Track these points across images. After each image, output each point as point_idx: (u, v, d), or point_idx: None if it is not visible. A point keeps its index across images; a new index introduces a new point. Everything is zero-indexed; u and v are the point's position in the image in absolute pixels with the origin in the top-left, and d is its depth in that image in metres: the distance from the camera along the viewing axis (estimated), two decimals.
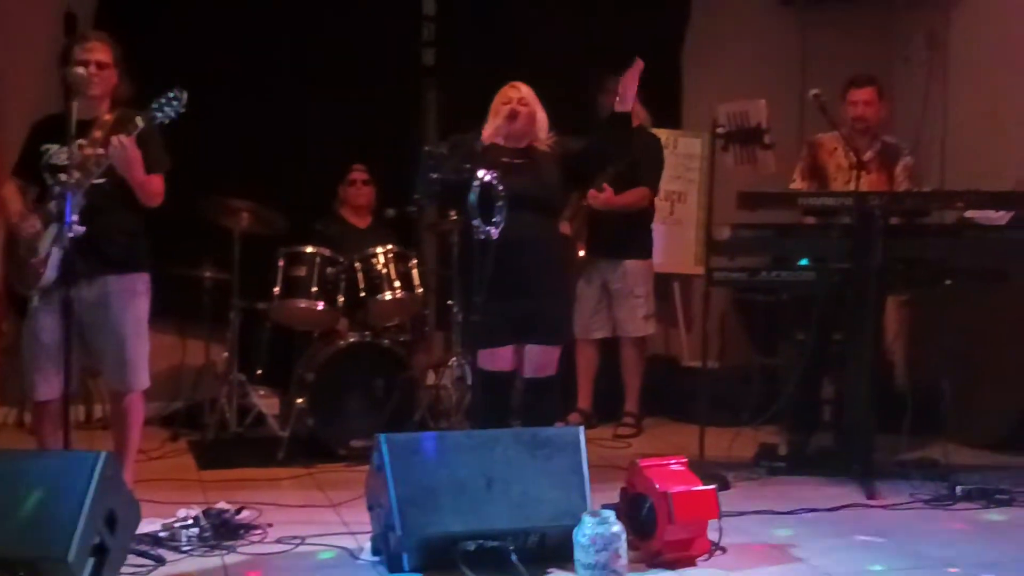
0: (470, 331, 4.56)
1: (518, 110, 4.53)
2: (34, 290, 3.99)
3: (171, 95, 4.04)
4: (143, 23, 5.99)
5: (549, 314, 4.54)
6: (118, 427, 4.24)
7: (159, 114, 4.00)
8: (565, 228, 5.46)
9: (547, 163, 4.56)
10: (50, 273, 3.93)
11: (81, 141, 3.95)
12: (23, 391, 4.18)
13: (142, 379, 4.18)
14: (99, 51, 4.08)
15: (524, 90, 4.60)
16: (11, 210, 4.12)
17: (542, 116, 4.61)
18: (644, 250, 6.02)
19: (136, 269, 4.16)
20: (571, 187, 4.72)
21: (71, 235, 3.82)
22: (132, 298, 4.14)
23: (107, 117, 4.07)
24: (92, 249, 3.93)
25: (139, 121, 3.98)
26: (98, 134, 4.00)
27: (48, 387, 3.98)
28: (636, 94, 5.92)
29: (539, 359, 4.57)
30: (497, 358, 4.50)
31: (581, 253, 5.96)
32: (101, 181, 3.96)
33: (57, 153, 4.01)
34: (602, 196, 5.50)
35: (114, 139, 3.94)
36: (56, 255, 3.91)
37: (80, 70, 3.96)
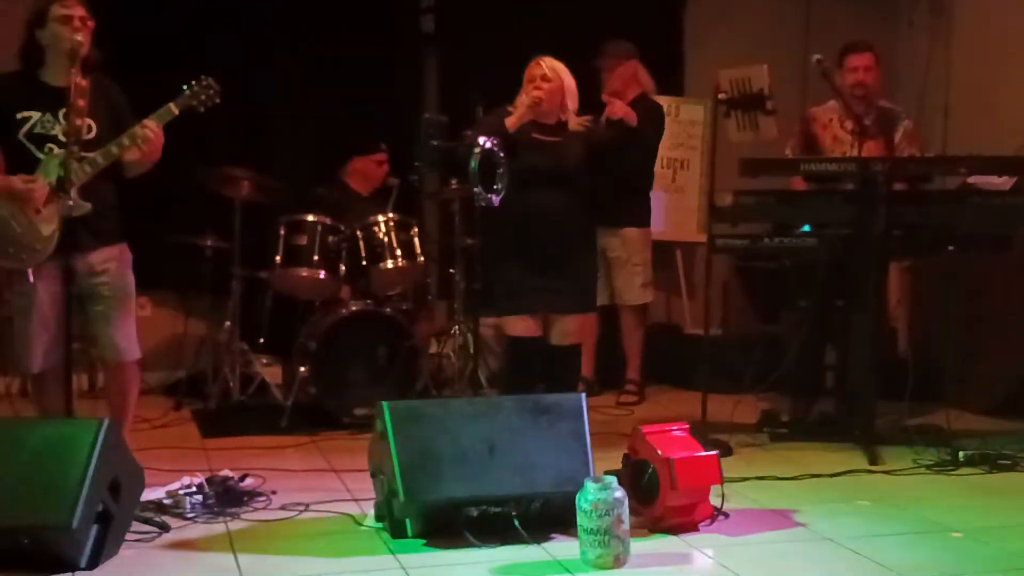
0: (488, 298, 4.62)
1: (540, 97, 4.52)
2: (31, 265, 3.92)
3: (204, 83, 4.03)
4: None
5: (572, 284, 4.60)
6: (114, 397, 4.23)
7: (193, 102, 4.00)
8: None
9: (574, 141, 4.58)
10: (51, 248, 3.89)
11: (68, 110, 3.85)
12: (19, 364, 4.12)
13: (135, 348, 4.18)
14: (79, 7, 3.97)
15: (547, 65, 4.59)
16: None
17: (570, 85, 4.62)
18: (642, 218, 6.00)
19: (122, 240, 4.14)
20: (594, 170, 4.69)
21: (80, 213, 3.81)
22: (124, 268, 4.13)
23: (83, 83, 3.93)
24: (84, 221, 3.89)
25: (173, 108, 3.96)
26: (82, 103, 3.90)
27: (47, 358, 3.97)
28: (638, 65, 5.93)
29: (564, 327, 4.65)
30: (521, 324, 4.60)
31: None
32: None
33: (42, 122, 3.92)
34: (616, 104, 5.03)
35: (146, 127, 3.89)
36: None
37: (77, 36, 3.87)
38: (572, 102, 4.64)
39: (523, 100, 4.59)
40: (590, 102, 5.91)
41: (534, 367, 4.69)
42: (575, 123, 4.65)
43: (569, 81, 4.62)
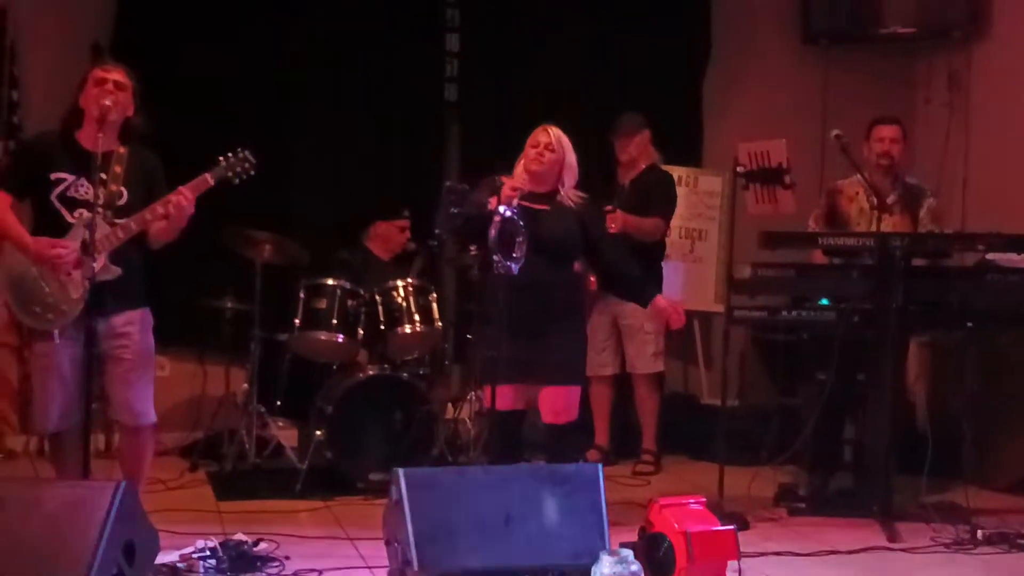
0: (479, 368, 4.56)
1: (538, 171, 4.46)
2: (58, 326, 3.94)
3: (241, 155, 4.06)
4: (162, 53, 5.96)
5: (560, 356, 4.45)
6: (129, 460, 4.20)
7: (229, 173, 4.03)
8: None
9: (566, 213, 4.51)
10: (78, 310, 3.90)
11: (103, 176, 3.88)
12: (35, 423, 4.14)
13: (151, 412, 4.16)
14: (117, 73, 4.02)
15: (554, 135, 4.51)
16: (20, 236, 3.95)
17: (571, 161, 4.55)
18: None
19: (145, 303, 4.16)
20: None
21: (108, 277, 3.84)
22: (145, 332, 4.13)
23: (121, 151, 4.00)
24: (109, 285, 3.91)
25: (209, 179, 3.99)
26: (118, 169, 3.96)
27: (64, 418, 3.98)
28: (649, 136, 5.98)
29: (555, 403, 4.46)
30: (500, 396, 4.39)
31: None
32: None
33: (76, 185, 3.94)
34: (618, 217, 5.49)
35: (181, 194, 3.92)
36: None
37: (106, 100, 3.91)
38: (570, 178, 4.55)
39: (519, 172, 4.51)
40: (605, 171, 6.00)
41: (515, 441, 4.56)
42: (568, 197, 4.54)
43: (571, 157, 4.54)
